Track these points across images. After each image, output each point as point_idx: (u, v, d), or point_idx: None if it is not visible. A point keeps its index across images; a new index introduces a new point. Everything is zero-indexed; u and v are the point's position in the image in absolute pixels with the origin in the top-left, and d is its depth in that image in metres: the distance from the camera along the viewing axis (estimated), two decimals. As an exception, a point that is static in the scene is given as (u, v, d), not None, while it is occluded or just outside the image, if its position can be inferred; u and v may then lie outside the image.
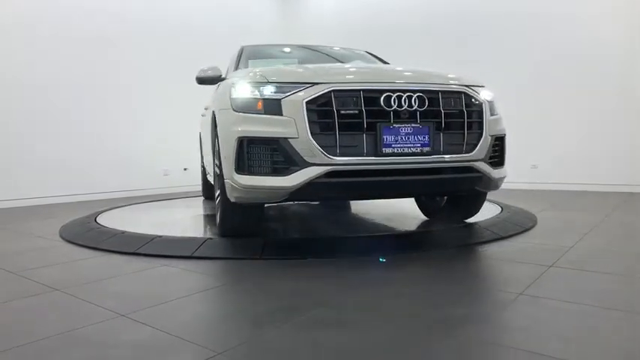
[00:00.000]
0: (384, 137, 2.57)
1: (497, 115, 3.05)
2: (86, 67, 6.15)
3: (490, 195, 5.22)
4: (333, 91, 2.56)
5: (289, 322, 1.72)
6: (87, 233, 3.44)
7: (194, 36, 7.26)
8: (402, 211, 4.22)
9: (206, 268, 2.59)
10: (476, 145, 2.79)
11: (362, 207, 4.65)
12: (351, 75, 2.89)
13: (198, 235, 3.33)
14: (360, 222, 4.06)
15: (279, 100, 2.58)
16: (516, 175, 6.57)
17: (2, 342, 1.59)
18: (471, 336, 1.55)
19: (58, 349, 1.53)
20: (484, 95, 2.95)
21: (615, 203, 4.79)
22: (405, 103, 2.62)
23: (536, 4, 6.49)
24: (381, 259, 2.64)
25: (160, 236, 3.14)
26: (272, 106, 2.58)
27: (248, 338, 1.59)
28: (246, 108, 2.66)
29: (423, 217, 3.87)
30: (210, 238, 3.12)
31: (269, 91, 2.63)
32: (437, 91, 2.72)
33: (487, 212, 3.92)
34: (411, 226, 3.60)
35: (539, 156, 6.50)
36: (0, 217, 4.63)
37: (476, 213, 3.53)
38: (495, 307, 1.83)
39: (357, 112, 2.57)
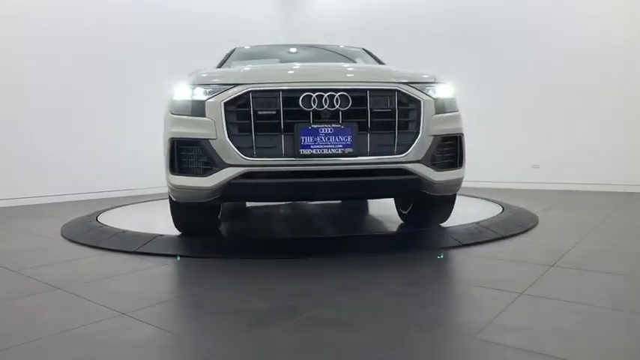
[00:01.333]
0: (302, 138, 2.53)
1: (450, 113, 2.83)
2: (87, 67, 6.15)
3: (491, 195, 5.22)
4: (252, 91, 2.57)
5: (289, 322, 1.72)
6: (88, 232, 3.45)
7: (196, 37, 7.24)
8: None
9: (207, 267, 2.59)
10: (410, 146, 2.63)
11: (367, 207, 4.65)
12: (273, 75, 2.81)
13: (198, 236, 3.33)
14: (360, 221, 4.07)
15: (204, 101, 2.63)
16: (517, 174, 6.61)
17: (3, 340, 1.59)
18: (472, 335, 1.55)
19: (58, 348, 1.54)
20: (437, 92, 2.77)
21: (616, 203, 4.78)
22: (325, 102, 2.54)
23: (537, 4, 6.49)
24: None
25: (162, 235, 3.15)
26: (198, 108, 2.64)
27: (248, 338, 1.60)
28: (180, 110, 2.72)
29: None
30: (210, 238, 3.13)
31: (198, 93, 2.68)
32: (364, 90, 2.61)
33: (488, 212, 3.93)
34: (411, 225, 3.60)
35: (540, 156, 6.49)
36: (0, 216, 4.63)
37: (445, 218, 3.33)
38: (496, 306, 1.83)
39: (274, 112, 2.56)
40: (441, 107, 2.77)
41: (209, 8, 7.60)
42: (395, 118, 2.63)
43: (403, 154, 2.62)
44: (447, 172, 2.79)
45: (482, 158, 6.78)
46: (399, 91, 2.65)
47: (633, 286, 2.12)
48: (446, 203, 3.20)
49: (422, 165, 2.66)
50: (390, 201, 3.97)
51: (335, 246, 2.99)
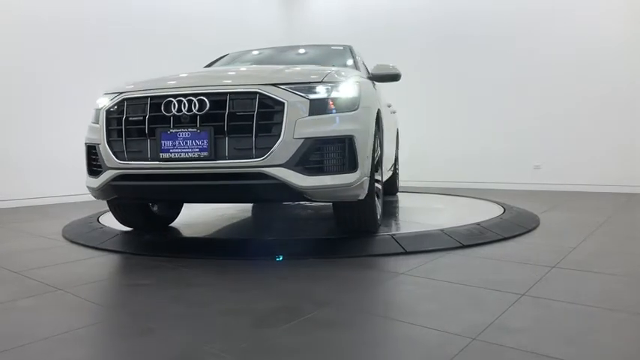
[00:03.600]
0: (162, 142, 2.63)
1: (337, 113, 2.66)
2: (88, 67, 6.16)
3: (492, 196, 5.22)
4: (126, 99, 2.78)
5: (291, 322, 1.72)
6: (89, 233, 3.45)
7: (197, 37, 7.26)
8: (406, 214, 4.21)
9: (208, 268, 2.60)
10: (269, 150, 2.54)
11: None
12: (143, 83, 2.88)
13: (200, 235, 3.34)
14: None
15: (99, 110, 2.89)
16: (519, 175, 6.61)
17: (6, 341, 1.59)
18: (473, 336, 1.55)
19: (60, 349, 1.54)
20: (319, 92, 2.65)
21: (618, 204, 4.78)
22: (184, 107, 2.61)
23: (538, 5, 6.49)
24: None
25: (163, 236, 3.15)
26: (97, 116, 2.92)
27: (250, 338, 1.60)
28: (93, 118, 3.01)
29: (424, 219, 3.87)
30: (212, 238, 3.13)
31: (100, 102, 2.93)
32: (223, 93, 2.61)
33: (489, 213, 3.92)
34: (412, 227, 3.60)
35: (541, 156, 6.49)
36: (2, 217, 4.64)
37: (371, 227, 3.13)
38: (498, 307, 1.83)
39: (141, 118, 2.71)
40: (320, 108, 2.63)
41: (210, 9, 7.61)
42: (253, 121, 2.57)
43: (261, 158, 2.54)
44: (326, 176, 2.61)
45: (483, 159, 6.78)
46: (260, 94, 2.59)
47: (635, 288, 2.11)
48: (357, 210, 3.01)
49: (285, 169, 2.55)
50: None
51: (335, 247, 2.99)
